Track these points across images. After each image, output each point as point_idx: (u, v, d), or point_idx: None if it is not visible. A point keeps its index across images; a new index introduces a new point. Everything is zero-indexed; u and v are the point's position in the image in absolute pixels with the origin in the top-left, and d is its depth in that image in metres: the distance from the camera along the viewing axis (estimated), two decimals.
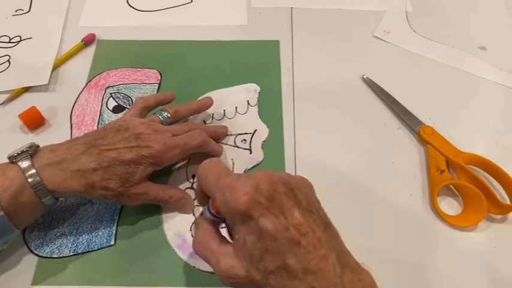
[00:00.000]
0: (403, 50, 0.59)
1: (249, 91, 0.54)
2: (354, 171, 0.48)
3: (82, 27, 0.60)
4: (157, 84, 0.55)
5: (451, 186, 0.47)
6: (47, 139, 0.49)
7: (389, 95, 0.54)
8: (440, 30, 0.61)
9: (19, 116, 0.50)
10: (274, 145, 0.50)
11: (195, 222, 0.38)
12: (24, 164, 0.38)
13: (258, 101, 0.53)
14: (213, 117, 0.52)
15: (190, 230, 0.44)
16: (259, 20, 0.62)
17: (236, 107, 0.53)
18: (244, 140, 0.50)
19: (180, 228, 0.44)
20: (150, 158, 0.40)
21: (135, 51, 0.58)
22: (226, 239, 0.33)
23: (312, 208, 0.31)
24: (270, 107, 0.53)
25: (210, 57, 0.58)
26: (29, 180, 0.37)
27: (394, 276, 0.42)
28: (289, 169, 0.48)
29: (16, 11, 0.62)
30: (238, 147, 0.50)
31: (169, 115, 0.47)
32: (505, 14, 0.63)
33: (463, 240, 0.44)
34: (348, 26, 0.61)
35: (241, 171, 0.48)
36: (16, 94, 0.53)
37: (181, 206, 0.45)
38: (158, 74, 0.56)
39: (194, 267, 0.42)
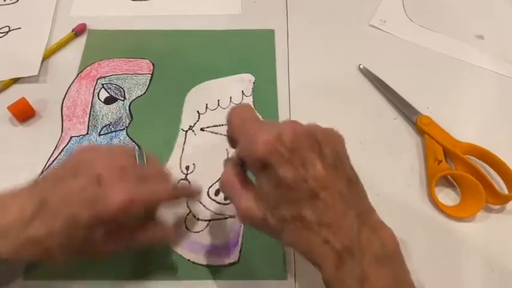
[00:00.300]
0: (400, 39, 0.58)
1: (243, 81, 0.53)
2: (350, 161, 0.47)
3: (73, 16, 0.59)
4: (149, 75, 0.54)
5: (448, 176, 0.46)
6: (37, 131, 0.49)
7: (386, 84, 0.53)
8: (438, 19, 0.60)
9: (8, 107, 0.48)
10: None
11: (225, 161, 0.35)
12: None
13: (253, 91, 0.53)
14: (207, 107, 0.51)
15: (185, 222, 0.44)
16: (254, 9, 0.61)
17: (230, 97, 0.52)
18: None
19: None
20: (107, 217, 0.33)
21: (127, 41, 0.57)
22: (251, 181, 0.33)
23: (338, 163, 0.31)
24: (265, 97, 0.52)
25: (204, 47, 0.57)
26: None
27: None
28: None
29: (5, 1, 0.61)
30: None
31: (146, 158, 0.39)
32: (503, 2, 0.63)
33: (460, 230, 0.43)
34: (344, 15, 0.60)
35: None
36: (5, 85, 0.52)
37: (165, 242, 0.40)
38: (151, 64, 0.55)
39: (189, 260, 0.41)
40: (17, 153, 0.47)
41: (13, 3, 0.61)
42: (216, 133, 0.50)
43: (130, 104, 0.52)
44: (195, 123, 0.50)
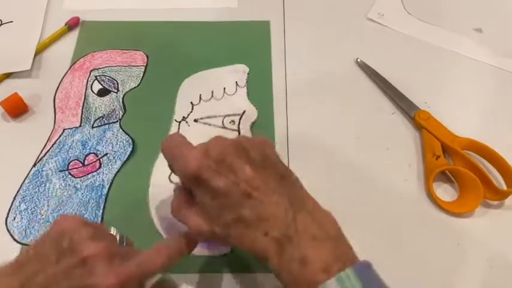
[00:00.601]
0: (398, 33, 0.57)
1: (237, 72, 0.53)
2: (347, 157, 0.47)
3: (66, 9, 0.58)
4: (143, 67, 0.53)
5: (446, 171, 0.46)
6: (30, 127, 0.48)
7: (384, 78, 0.52)
8: (436, 12, 0.60)
9: (0, 103, 0.48)
10: (264, 127, 0.49)
11: (174, 189, 0.37)
12: None
13: (247, 82, 0.52)
14: (200, 98, 0.51)
15: None
16: (251, 1, 0.60)
17: (224, 88, 0.52)
18: (233, 121, 0.49)
19: (167, 213, 0.43)
20: None
21: (121, 33, 0.56)
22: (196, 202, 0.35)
23: (267, 164, 0.34)
24: (259, 89, 0.52)
25: (199, 39, 0.56)
26: None
27: (389, 262, 0.40)
28: (280, 152, 0.47)
29: None
30: (226, 128, 0.49)
31: (127, 241, 0.37)
32: None
33: (459, 226, 0.43)
34: (342, 7, 0.60)
35: None
36: None
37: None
38: (145, 56, 0.54)
39: None
40: (9, 150, 0.47)
41: None
42: (210, 124, 0.49)
43: (123, 96, 0.51)
44: (188, 114, 0.50)
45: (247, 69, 0.53)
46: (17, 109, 0.48)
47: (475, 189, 0.43)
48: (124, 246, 0.36)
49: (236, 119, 0.49)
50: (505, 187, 0.44)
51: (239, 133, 0.48)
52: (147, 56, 0.54)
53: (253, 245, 0.32)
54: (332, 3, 0.60)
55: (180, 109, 0.50)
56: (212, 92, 0.51)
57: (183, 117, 0.50)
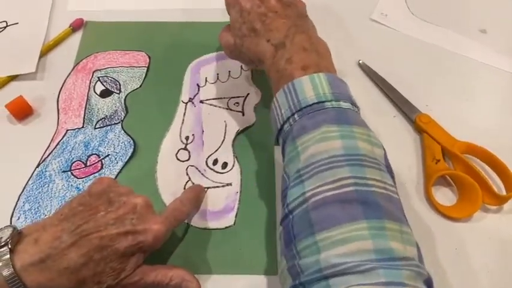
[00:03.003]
0: (401, 34, 0.57)
1: None
2: None
3: (70, 11, 0.59)
4: (145, 68, 0.54)
5: (446, 176, 0.46)
6: (35, 129, 0.49)
7: (386, 81, 0.52)
8: (440, 12, 0.59)
9: (6, 106, 0.49)
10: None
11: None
12: (3, 262, 0.32)
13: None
14: (206, 81, 0.52)
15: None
16: None
17: (229, 71, 0.53)
18: (237, 103, 0.51)
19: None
20: (146, 247, 0.35)
21: (124, 33, 0.57)
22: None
23: (292, 5, 0.42)
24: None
25: (200, 39, 0.56)
26: (9, 284, 0.31)
27: None
28: (277, 157, 0.47)
29: None
30: (230, 109, 0.50)
31: None
32: None
33: (457, 230, 0.43)
34: (344, 8, 0.59)
35: (233, 133, 0.49)
36: (2, 83, 0.52)
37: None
38: (147, 56, 0.55)
39: (187, 223, 0.43)
40: (14, 151, 0.48)
41: None
42: (215, 106, 0.51)
43: (125, 97, 0.52)
44: (195, 96, 0.51)
45: None
46: (22, 112, 0.49)
47: (474, 194, 0.43)
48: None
49: (240, 100, 0.51)
50: (504, 192, 0.44)
51: (243, 114, 0.50)
52: (149, 57, 0.55)
53: (257, 48, 0.41)
54: (335, 4, 0.60)
55: (187, 90, 0.52)
56: (218, 75, 0.53)
57: (190, 98, 0.51)
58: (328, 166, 0.32)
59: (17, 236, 0.33)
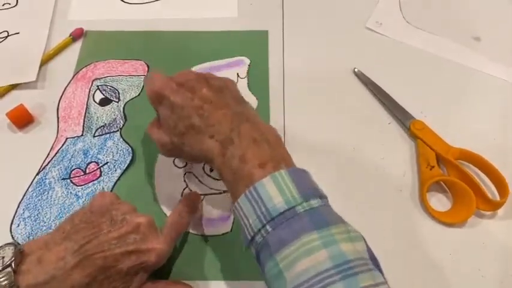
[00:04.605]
0: (396, 42, 0.58)
1: (238, 63, 0.55)
2: (342, 165, 0.48)
3: (71, 21, 0.59)
4: (144, 76, 0.54)
5: (440, 182, 0.46)
6: (35, 137, 0.50)
7: (381, 88, 0.53)
8: (434, 20, 0.60)
9: (7, 114, 0.49)
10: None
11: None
12: (7, 283, 0.31)
13: (248, 73, 0.54)
14: None
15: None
16: (250, 11, 0.61)
17: None
18: None
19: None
20: (150, 266, 0.36)
21: (123, 42, 0.58)
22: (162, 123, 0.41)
23: (224, 89, 0.40)
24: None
25: (198, 48, 0.57)
26: None
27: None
28: None
29: (3, 5, 0.61)
30: None
31: None
32: (500, 3, 0.62)
33: (451, 236, 0.44)
34: (340, 17, 0.60)
35: None
36: (3, 92, 0.52)
37: None
38: (145, 65, 0.56)
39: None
40: (14, 159, 0.48)
41: (12, 7, 0.61)
42: None
43: (124, 106, 0.52)
44: None
45: (248, 61, 0.55)
46: (23, 120, 0.50)
47: (468, 200, 0.43)
48: None
49: None
50: (498, 197, 0.45)
51: None
52: (147, 66, 0.55)
53: (201, 146, 0.37)
54: (330, 12, 0.61)
55: None
56: None
57: None
58: (321, 285, 0.29)
59: (20, 256, 0.33)
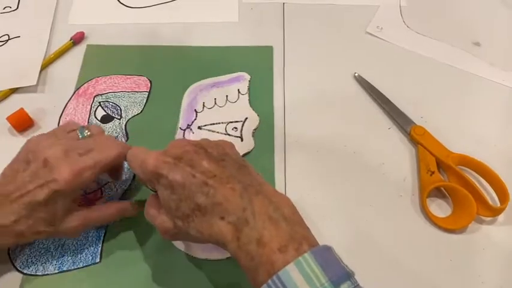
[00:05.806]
0: (397, 47, 0.58)
1: (239, 79, 0.54)
2: (343, 171, 0.48)
3: (71, 25, 0.59)
4: (147, 93, 0.53)
5: (441, 187, 0.46)
6: None
7: (381, 93, 0.53)
8: (435, 26, 0.60)
9: (7, 118, 0.49)
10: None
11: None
12: None
13: (249, 89, 0.53)
14: (204, 106, 0.52)
15: None
16: (251, 17, 0.61)
17: (227, 96, 0.53)
18: (235, 128, 0.50)
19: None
20: (61, 192, 0.37)
21: (125, 57, 0.57)
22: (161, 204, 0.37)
23: (225, 157, 0.36)
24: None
25: (201, 63, 0.56)
26: None
27: (382, 278, 0.42)
28: (279, 162, 0.48)
29: (4, 8, 0.61)
30: (229, 135, 0.50)
31: (89, 133, 0.42)
32: (500, 8, 0.62)
33: (451, 242, 0.44)
34: (340, 22, 0.60)
35: None
36: (4, 96, 0.52)
37: (127, 215, 0.43)
38: (148, 81, 0.54)
39: (190, 256, 0.43)
40: None
41: (12, 10, 0.61)
42: (213, 131, 0.50)
43: (126, 123, 0.51)
44: (192, 122, 0.51)
45: (248, 77, 0.55)
46: (23, 124, 0.50)
47: (468, 206, 0.43)
48: (85, 140, 0.41)
49: (239, 125, 0.51)
50: (498, 203, 0.45)
51: (242, 140, 0.49)
52: (150, 82, 0.54)
53: (211, 229, 0.33)
54: (331, 17, 0.61)
55: (185, 116, 0.51)
56: (215, 99, 0.53)
57: (188, 124, 0.51)
58: None
59: None
